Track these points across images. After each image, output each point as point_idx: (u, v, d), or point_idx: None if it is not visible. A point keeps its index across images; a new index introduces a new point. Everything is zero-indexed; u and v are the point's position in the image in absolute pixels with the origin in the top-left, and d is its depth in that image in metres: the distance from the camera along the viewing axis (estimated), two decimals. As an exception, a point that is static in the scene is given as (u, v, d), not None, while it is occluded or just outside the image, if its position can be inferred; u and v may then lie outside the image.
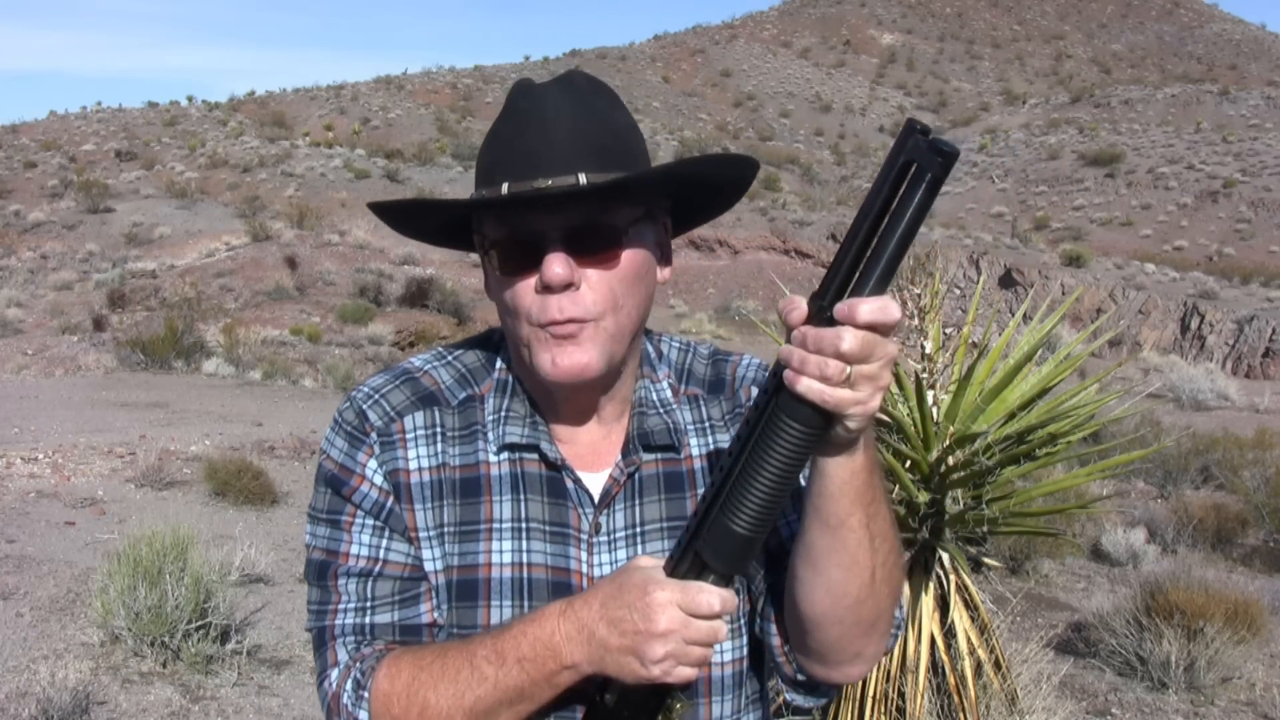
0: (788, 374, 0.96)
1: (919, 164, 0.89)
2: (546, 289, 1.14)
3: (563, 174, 1.13)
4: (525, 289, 1.16)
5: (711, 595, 1.03)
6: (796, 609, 1.19)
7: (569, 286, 1.14)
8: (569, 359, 1.16)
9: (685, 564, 1.05)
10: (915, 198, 0.90)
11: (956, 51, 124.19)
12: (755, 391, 1.33)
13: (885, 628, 1.21)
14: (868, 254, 0.93)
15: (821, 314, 0.95)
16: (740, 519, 1.00)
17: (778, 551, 1.23)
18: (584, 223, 1.15)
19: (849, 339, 0.93)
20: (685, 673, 1.05)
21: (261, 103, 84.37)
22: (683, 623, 1.03)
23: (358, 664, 1.18)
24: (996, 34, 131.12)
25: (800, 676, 1.27)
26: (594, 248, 1.16)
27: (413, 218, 1.27)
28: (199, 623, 4.99)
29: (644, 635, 1.03)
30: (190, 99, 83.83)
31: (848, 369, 0.94)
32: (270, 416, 12.25)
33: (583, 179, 1.13)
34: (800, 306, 0.97)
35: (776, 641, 1.26)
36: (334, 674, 1.19)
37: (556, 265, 1.13)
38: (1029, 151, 68.94)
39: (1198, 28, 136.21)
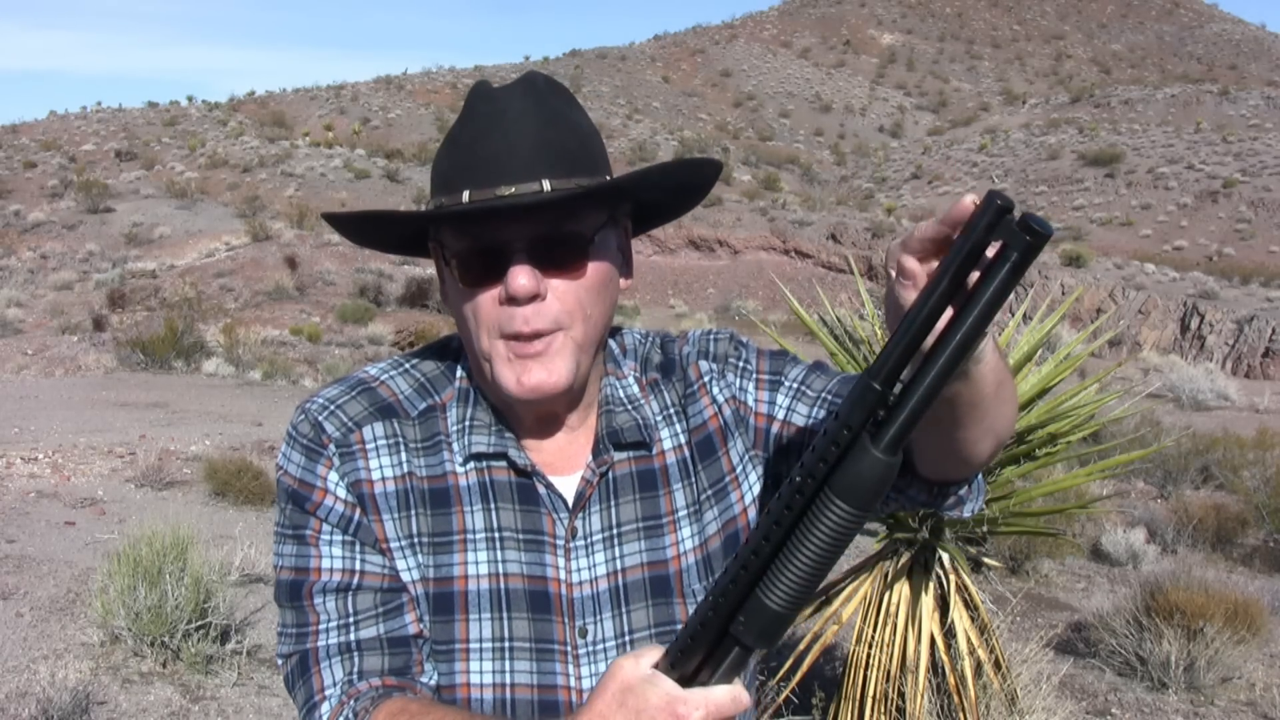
0: None
1: (1005, 243, 0.80)
2: (511, 301, 1.09)
3: (526, 181, 1.08)
4: (488, 300, 1.11)
5: (738, 692, 0.97)
6: (955, 456, 1.10)
7: (535, 298, 1.10)
8: (533, 377, 1.11)
9: (706, 642, 0.96)
10: (997, 278, 0.80)
11: (956, 51, 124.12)
12: (703, 365, 1.27)
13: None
14: (937, 335, 0.84)
15: (872, 393, 0.85)
16: (779, 599, 0.94)
17: None
18: (549, 232, 1.10)
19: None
20: None
21: (261, 103, 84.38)
22: None
23: (351, 700, 1.11)
24: (996, 34, 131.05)
25: (951, 492, 1.18)
26: (560, 257, 1.11)
27: (371, 230, 1.22)
28: (199, 623, 4.98)
29: None
30: (190, 99, 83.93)
31: None
32: (270, 416, 12.23)
33: (546, 185, 1.08)
34: None
35: (925, 497, 1.17)
36: (324, 708, 1.11)
37: (522, 277, 1.08)
38: (1029, 151, 68.92)
39: (1198, 28, 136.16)
